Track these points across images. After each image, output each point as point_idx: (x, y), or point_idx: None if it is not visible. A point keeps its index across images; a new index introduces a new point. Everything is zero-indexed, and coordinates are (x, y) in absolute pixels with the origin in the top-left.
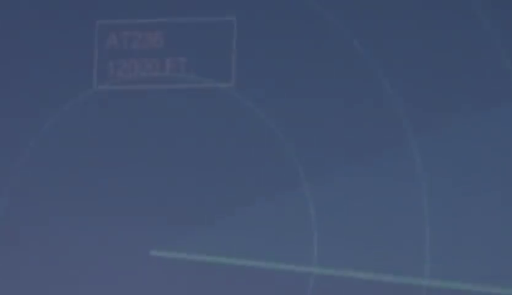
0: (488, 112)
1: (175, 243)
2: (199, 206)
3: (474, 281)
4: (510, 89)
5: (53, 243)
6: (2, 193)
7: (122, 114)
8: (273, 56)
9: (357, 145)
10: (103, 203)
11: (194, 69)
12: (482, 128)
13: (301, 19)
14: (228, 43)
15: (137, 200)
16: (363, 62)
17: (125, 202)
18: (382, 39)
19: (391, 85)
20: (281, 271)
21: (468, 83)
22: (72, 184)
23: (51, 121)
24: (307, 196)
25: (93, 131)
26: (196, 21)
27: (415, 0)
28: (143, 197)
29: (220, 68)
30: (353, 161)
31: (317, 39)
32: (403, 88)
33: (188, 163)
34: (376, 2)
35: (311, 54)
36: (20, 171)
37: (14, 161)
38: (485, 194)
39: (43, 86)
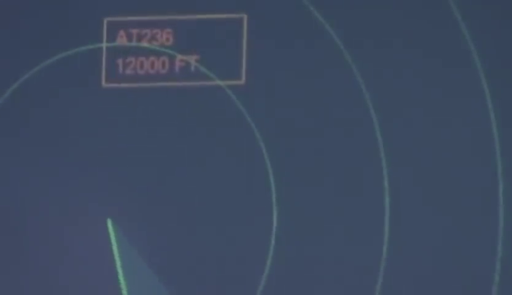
0: (456, 107)
1: (133, 213)
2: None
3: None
4: (479, 86)
5: (9, 208)
6: None
7: (130, 111)
8: (284, 53)
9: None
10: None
11: (204, 66)
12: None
13: (312, 16)
14: (238, 40)
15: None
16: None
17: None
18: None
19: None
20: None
21: (437, 77)
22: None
23: (60, 119)
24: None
25: (100, 128)
26: (205, 19)
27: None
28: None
29: (230, 66)
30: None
31: (327, 37)
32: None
33: (189, 159)
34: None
35: (321, 53)
36: (21, 167)
37: (17, 157)
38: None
39: (51, 84)
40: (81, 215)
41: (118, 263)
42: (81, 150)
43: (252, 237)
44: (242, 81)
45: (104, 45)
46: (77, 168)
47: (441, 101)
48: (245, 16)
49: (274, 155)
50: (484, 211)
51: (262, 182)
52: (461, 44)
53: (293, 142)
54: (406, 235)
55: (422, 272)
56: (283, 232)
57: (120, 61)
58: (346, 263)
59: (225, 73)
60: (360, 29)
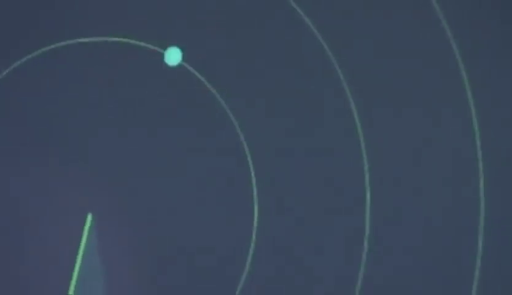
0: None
1: (114, 206)
2: (141, 171)
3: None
4: (460, 82)
5: None
6: None
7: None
8: (273, 55)
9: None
10: (48, 162)
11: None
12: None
13: (303, 22)
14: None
15: (81, 163)
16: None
17: (69, 164)
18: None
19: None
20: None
21: (419, 74)
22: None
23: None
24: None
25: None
26: None
27: None
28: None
29: (217, 63)
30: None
31: (318, 42)
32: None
33: (175, 158)
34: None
35: (311, 56)
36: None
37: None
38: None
39: (39, 79)
40: (63, 206)
41: (80, 256)
42: (77, 149)
43: (233, 233)
44: (229, 79)
45: None
46: (64, 162)
47: (422, 98)
48: None
49: (256, 149)
50: (465, 208)
51: (243, 177)
52: (443, 43)
53: (276, 139)
54: (387, 232)
55: (403, 269)
56: (264, 227)
57: None
58: (327, 259)
59: (212, 70)
60: (350, 36)
